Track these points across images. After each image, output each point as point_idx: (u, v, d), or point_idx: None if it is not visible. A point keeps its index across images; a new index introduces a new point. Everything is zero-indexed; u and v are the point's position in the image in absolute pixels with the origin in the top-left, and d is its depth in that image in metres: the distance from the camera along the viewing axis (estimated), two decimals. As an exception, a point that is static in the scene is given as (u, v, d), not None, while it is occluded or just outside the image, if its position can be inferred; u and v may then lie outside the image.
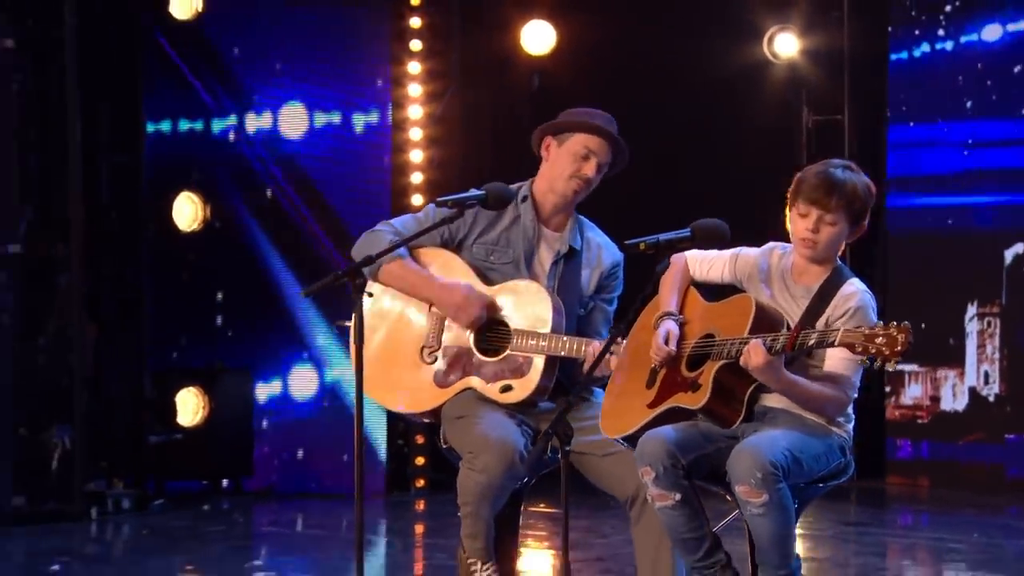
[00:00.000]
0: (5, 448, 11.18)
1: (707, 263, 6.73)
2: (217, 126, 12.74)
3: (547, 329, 6.98)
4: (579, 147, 7.09)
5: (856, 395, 6.61)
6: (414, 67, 12.79)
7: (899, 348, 6.03)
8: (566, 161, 7.09)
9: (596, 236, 7.32)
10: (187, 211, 12.21)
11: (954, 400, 12.73)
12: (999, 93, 12.50)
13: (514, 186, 7.15)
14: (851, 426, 6.68)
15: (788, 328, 6.34)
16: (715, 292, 6.82)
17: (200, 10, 12.22)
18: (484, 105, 13.26)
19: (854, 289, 6.50)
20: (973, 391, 12.64)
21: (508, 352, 7.03)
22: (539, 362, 6.97)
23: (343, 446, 11.99)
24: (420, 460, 12.51)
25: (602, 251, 7.24)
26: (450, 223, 7.06)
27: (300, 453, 12.48)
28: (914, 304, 12.65)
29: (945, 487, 12.62)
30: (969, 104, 12.63)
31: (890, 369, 6.52)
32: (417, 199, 12.72)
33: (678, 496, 6.40)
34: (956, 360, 12.70)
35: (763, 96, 13.12)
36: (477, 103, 13.21)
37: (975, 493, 12.38)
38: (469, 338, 7.10)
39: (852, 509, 12.42)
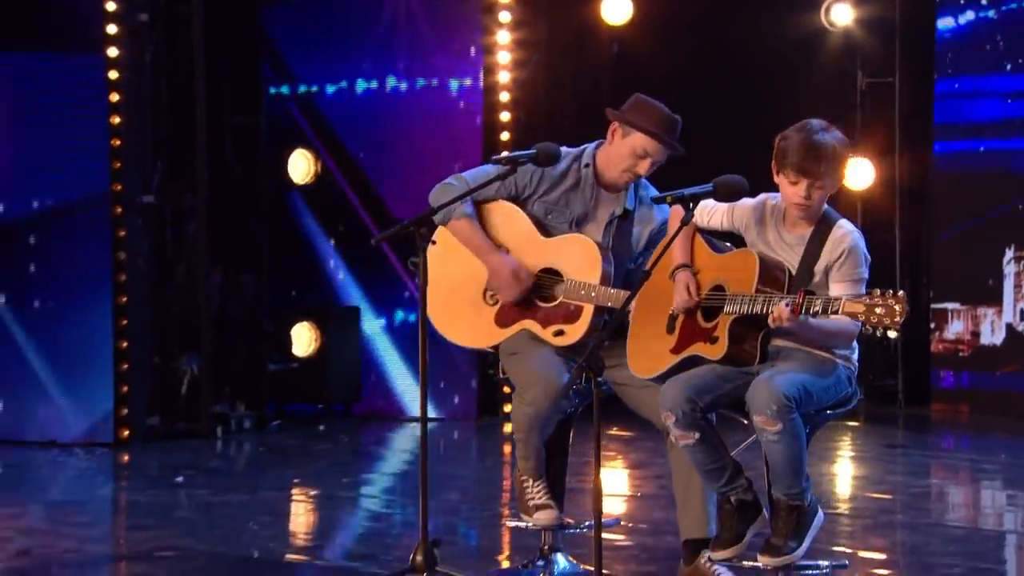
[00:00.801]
0: (142, 375, 11.36)
1: (709, 212, 6.57)
2: (330, 89, 12.71)
3: (596, 280, 6.92)
4: (639, 147, 6.92)
5: (860, 329, 6.38)
6: (503, 36, 12.69)
7: (897, 318, 6.04)
8: (625, 153, 6.95)
9: (649, 194, 7.18)
10: (301, 166, 12.30)
11: (992, 335, 12.68)
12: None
13: (579, 149, 7.11)
14: (855, 356, 6.51)
15: (789, 276, 6.31)
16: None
17: None
18: (567, 70, 13.22)
19: (844, 231, 6.38)
20: (1009, 327, 12.58)
21: (561, 299, 6.98)
22: (588, 310, 6.92)
23: (439, 376, 12.01)
24: (507, 388, 12.55)
25: (653, 209, 7.11)
26: (504, 179, 6.96)
27: (400, 382, 12.57)
28: (956, 246, 12.79)
29: (983, 414, 12.56)
30: (1009, 66, 12.54)
31: (892, 336, 6.50)
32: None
33: (697, 435, 6.38)
34: (994, 299, 12.63)
35: (820, 61, 13.08)
36: (560, 69, 13.14)
37: (1010, 419, 12.27)
38: (530, 287, 7.03)
39: (899, 433, 12.49)
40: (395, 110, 12.67)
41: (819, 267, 6.34)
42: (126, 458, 11.08)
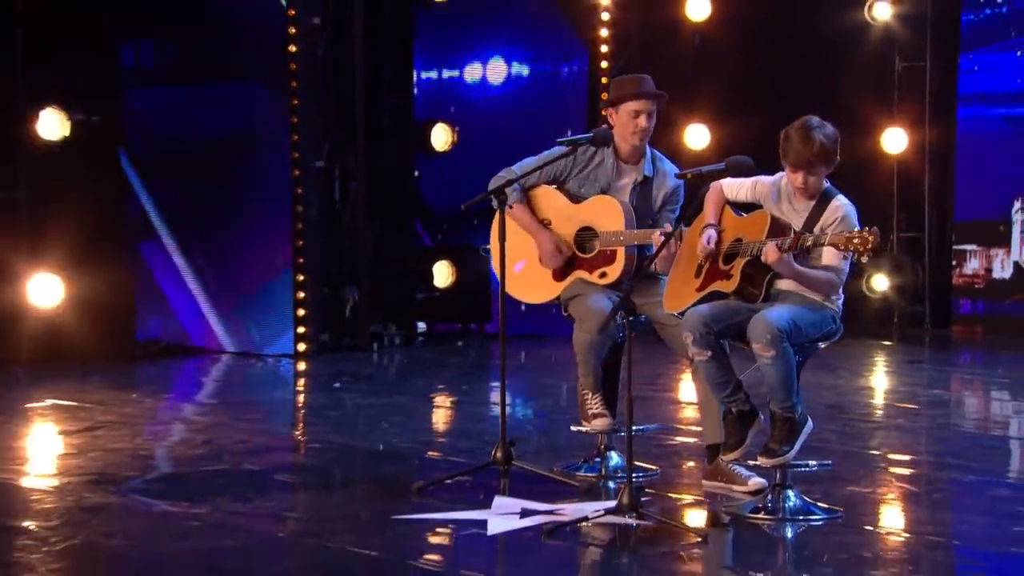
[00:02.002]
0: (316, 301, 11.45)
1: (735, 188, 6.61)
2: (467, 74, 12.67)
3: (622, 227, 6.95)
4: (628, 111, 6.97)
5: (845, 279, 6.49)
6: (604, 32, 12.63)
7: (870, 246, 6.14)
8: (624, 122, 7.00)
9: (664, 165, 7.19)
10: (441, 136, 12.19)
11: (1002, 271, 12.60)
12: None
13: None
14: (840, 301, 6.54)
15: (794, 232, 6.33)
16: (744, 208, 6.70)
17: None
18: (658, 59, 12.89)
19: (839, 203, 6.44)
20: (1016, 264, 12.52)
21: (599, 249, 7.02)
22: (621, 252, 6.95)
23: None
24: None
25: (667, 177, 7.13)
26: (566, 156, 7.02)
27: (523, 306, 12.34)
28: (973, 198, 12.69)
29: (994, 334, 12.48)
30: (1019, 53, 12.47)
31: (864, 261, 6.49)
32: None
33: (709, 353, 6.41)
34: (1005, 242, 12.56)
35: (865, 49, 12.95)
36: (652, 58, 12.88)
37: (1017, 338, 12.19)
38: (572, 245, 7.08)
39: (925, 351, 12.36)
40: (517, 91, 12.59)
41: (817, 228, 6.37)
42: (302, 367, 11.14)
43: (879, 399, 9.99)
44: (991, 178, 12.67)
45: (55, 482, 7.24)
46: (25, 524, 6.44)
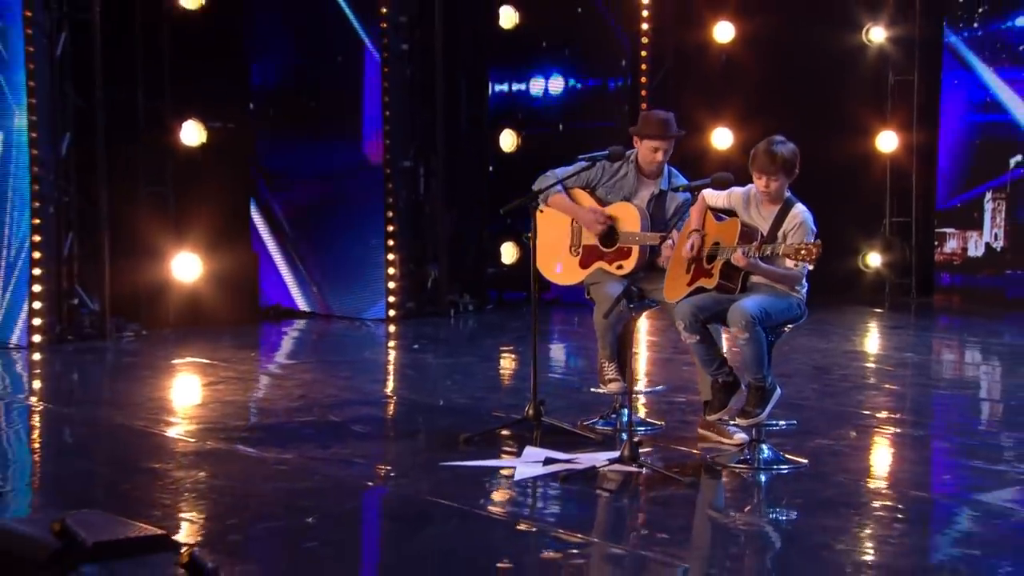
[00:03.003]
0: (403, 275, 11.37)
1: (715, 197, 6.59)
2: (532, 86, 12.60)
3: (638, 230, 6.99)
4: (650, 146, 7.01)
5: (806, 273, 6.44)
6: (643, 52, 12.63)
7: (813, 257, 6.18)
8: (645, 152, 7.04)
9: (678, 181, 7.13)
10: (508, 140, 12.12)
11: (976, 250, 12.43)
12: (1014, 57, 12.17)
13: (630, 151, 7.09)
14: (805, 290, 6.51)
15: (761, 237, 6.36)
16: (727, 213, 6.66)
17: (518, 22, 12.00)
18: (689, 75, 12.97)
19: (798, 210, 6.41)
20: (988, 245, 12.37)
21: (618, 245, 7.04)
22: (636, 250, 7.00)
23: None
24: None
25: (679, 192, 7.04)
26: (587, 170, 7.07)
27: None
28: (953, 190, 12.58)
29: (969, 303, 12.38)
30: (991, 67, 12.20)
31: (810, 268, 6.50)
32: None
33: (698, 337, 6.49)
34: (978, 226, 12.40)
35: (863, 66, 12.78)
36: (685, 73, 12.95)
37: (986, 306, 12.13)
38: (596, 240, 7.08)
39: (911, 317, 12.26)
40: (572, 101, 12.55)
41: (780, 232, 6.38)
42: (392, 329, 11.11)
43: (860, 361, 9.83)
44: (967, 171, 12.55)
45: (180, 429, 7.34)
46: (152, 465, 6.60)
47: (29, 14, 9.75)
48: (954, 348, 10.98)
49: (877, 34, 12.77)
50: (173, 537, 5.03)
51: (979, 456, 6.84)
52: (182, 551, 4.56)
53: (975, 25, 12.40)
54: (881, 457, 6.88)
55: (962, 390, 9.08)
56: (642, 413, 7.47)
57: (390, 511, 6.04)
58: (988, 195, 12.43)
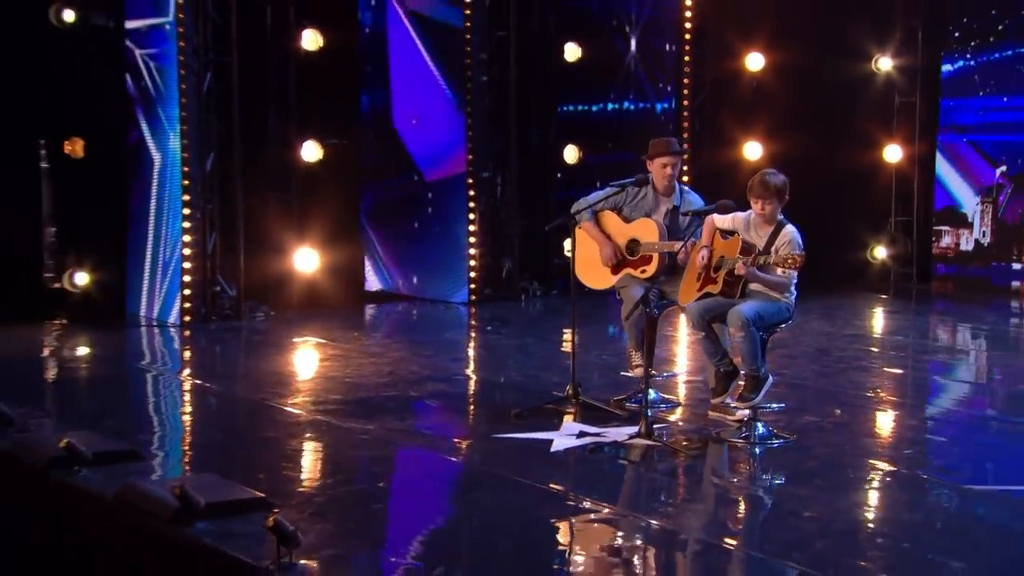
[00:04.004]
0: (483, 267, 11.42)
1: (721, 220, 6.61)
2: (593, 107, 12.39)
3: (656, 240, 7.00)
4: (659, 164, 7.04)
5: (796, 281, 6.49)
6: (686, 80, 12.59)
7: (798, 265, 6.26)
8: (657, 170, 7.05)
9: (689, 195, 7.15)
10: (571, 154, 12.00)
11: (967, 245, 12.30)
12: (999, 84, 12.03)
13: (647, 176, 7.08)
14: (793, 297, 6.55)
15: (757, 251, 6.40)
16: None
17: (580, 56, 11.91)
18: (725, 98, 12.89)
19: (788, 230, 6.44)
20: (977, 241, 12.24)
21: (641, 254, 7.05)
22: (656, 257, 7.00)
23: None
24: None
25: (691, 206, 7.08)
26: (616, 195, 7.10)
27: None
28: (948, 195, 12.47)
29: (961, 289, 12.24)
30: (980, 92, 12.15)
31: (794, 276, 6.53)
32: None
33: (703, 333, 6.57)
34: (968, 225, 12.29)
35: (872, 90, 12.65)
36: (721, 97, 12.88)
37: (975, 293, 12.00)
38: (624, 250, 7.09)
39: (912, 302, 12.15)
40: (626, 121, 12.41)
41: (773, 247, 6.41)
42: (473, 311, 11.12)
43: (859, 344, 9.61)
44: (959, 180, 12.43)
45: (289, 402, 7.34)
46: (263, 434, 6.65)
47: (182, 59, 10.00)
48: (943, 331, 10.81)
49: (885, 63, 12.63)
50: (270, 499, 5.14)
51: (948, 431, 6.80)
52: (272, 512, 4.81)
53: (968, 56, 12.26)
54: (858, 433, 6.81)
55: (945, 372, 8.88)
56: (663, 392, 7.45)
57: (446, 478, 6.04)
58: (977, 198, 12.30)
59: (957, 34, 12.32)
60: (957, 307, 11.73)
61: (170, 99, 10.08)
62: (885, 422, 7.14)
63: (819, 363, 8.68)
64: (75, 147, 10.46)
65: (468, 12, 11.25)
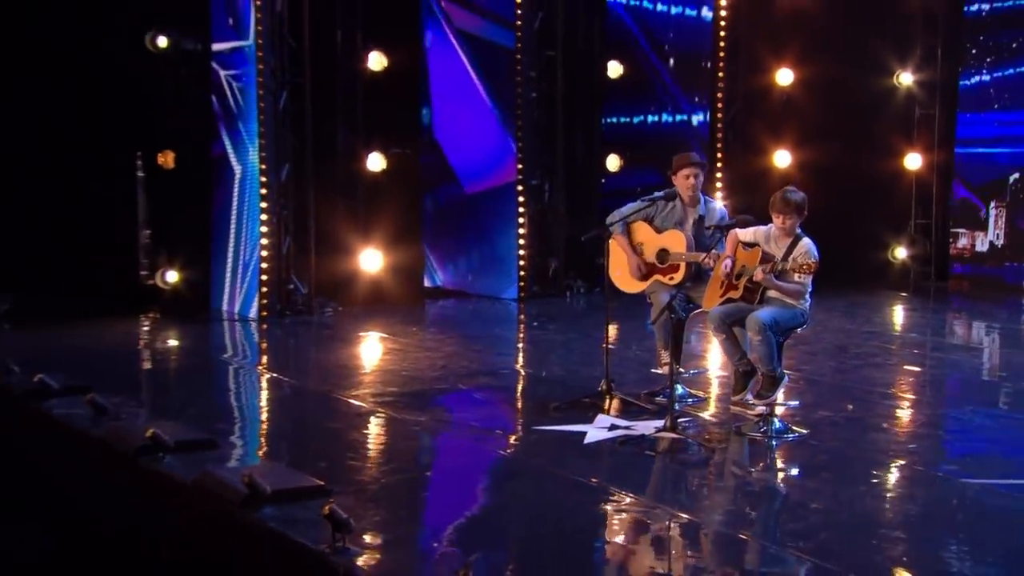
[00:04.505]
0: (531, 266, 11.49)
1: (744, 233, 6.61)
2: (635, 119, 12.27)
3: (684, 251, 7.01)
4: (683, 175, 7.04)
5: (811, 290, 6.48)
6: (720, 94, 12.52)
7: (812, 270, 6.31)
8: (682, 182, 7.05)
9: (713, 204, 7.15)
10: (613, 162, 12.02)
11: (981, 246, 12.20)
12: (1013, 99, 11.89)
13: (675, 191, 7.09)
14: (808, 304, 6.53)
15: (775, 260, 6.42)
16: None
17: (622, 72, 11.86)
18: (757, 111, 12.82)
19: (805, 242, 6.43)
20: (991, 243, 12.13)
21: (669, 262, 7.07)
22: (683, 266, 7.01)
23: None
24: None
25: (715, 212, 7.10)
26: (647, 208, 7.11)
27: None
28: (964, 200, 12.34)
29: (975, 287, 12.12)
30: (995, 106, 12.00)
31: (809, 278, 6.56)
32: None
33: (724, 336, 6.58)
34: (983, 227, 12.18)
35: (894, 102, 12.55)
36: (753, 110, 12.81)
37: (989, 291, 11.89)
38: (654, 259, 7.11)
39: (930, 299, 11.99)
40: (664, 132, 12.38)
41: (791, 257, 6.40)
42: (521, 307, 11.13)
43: (876, 340, 9.43)
44: (975, 186, 12.29)
45: (352, 393, 7.32)
46: (327, 424, 6.64)
47: (261, 79, 10.14)
48: (958, 328, 10.64)
49: (906, 78, 12.52)
50: (329, 486, 5.16)
51: (956, 427, 6.67)
52: (329, 501, 4.91)
53: (984, 71, 12.11)
54: (869, 428, 6.72)
55: (957, 369, 8.64)
56: (690, 388, 7.42)
57: (488, 468, 6.03)
58: (992, 203, 12.16)
59: (974, 51, 12.17)
60: (972, 304, 11.58)
61: (250, 116, 10.24)
62: (895, 417, 7.05)
63: (837, 359, 8.58)
64: (167, 159, 10.69)
65: (519, 34, 11.30)
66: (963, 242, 12.48)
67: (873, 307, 11.27)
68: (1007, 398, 7.57)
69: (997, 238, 12.16)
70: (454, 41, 11.61)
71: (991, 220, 12.20)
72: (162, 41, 10.52)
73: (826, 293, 11.17)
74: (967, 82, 12.25)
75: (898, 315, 11.23)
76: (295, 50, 10.30)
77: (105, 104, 10.26)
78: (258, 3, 10.05)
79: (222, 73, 10.53)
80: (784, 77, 12.82)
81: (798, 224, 6.54)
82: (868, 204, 12.66)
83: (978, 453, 6.25)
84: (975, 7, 12.17)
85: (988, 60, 12.07)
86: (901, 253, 12.79)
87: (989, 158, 12.14)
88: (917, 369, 8.58)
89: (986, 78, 12.10)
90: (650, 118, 12.42)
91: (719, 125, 12.58)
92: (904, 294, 12.13)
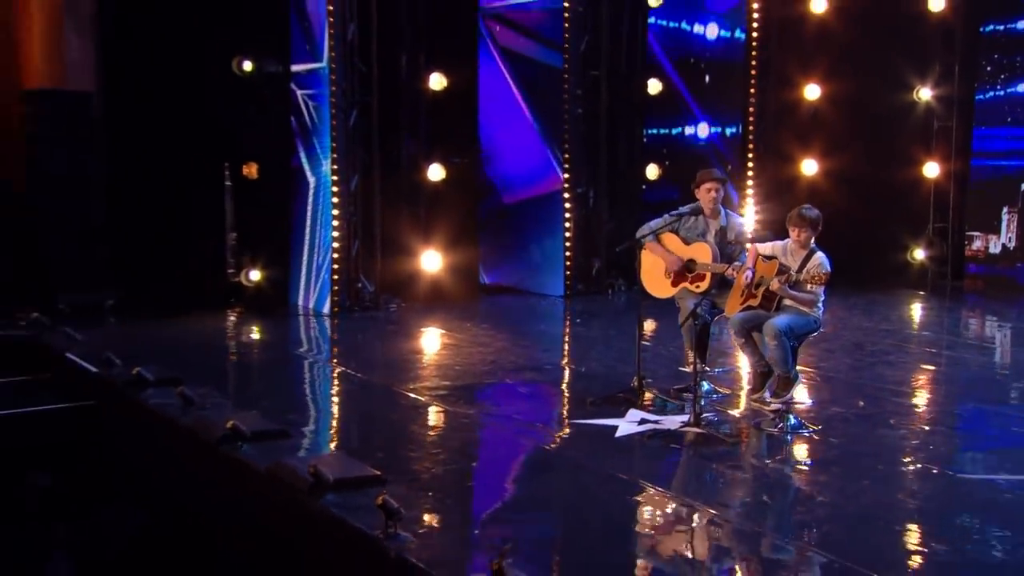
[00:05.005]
0: (576, 266, 11.50)
1: (763, 247, 6.68)
2: (674, 131, 12.25)
3: (709, 261, 7.03)
4: (706, 188, 7.07)
5: (823, 298, 6.51)
6: (749, 108, 12.46)
7: (823, 281, 6.29)
8: (704, 195, 7.08)
9: (733, 216, 7.14)
10: (653, 171, 12.00)
11: (995, 248, 12.03)
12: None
13: (699, 206, 7.12)
14: (821, 312, 6.57)
15: (790, 271, 6.46)
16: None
17: (661, 89, 11.87)
18: (785, 124, 12.72)
19: (819, 255, 6.47)
20: (1004, 245, 11.96)
21: (697, 271, 7.09)
22: (709, 275, 7.03)
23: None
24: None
25: (736, 224, 7.11)
26: (675, 221, 7.15)
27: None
28: (982, 207, 12.13)
29: (989, 286, 11.95)
30: (1009, 119, 11.85)
31: (821, 289, 6.52)
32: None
33: (743, 340, 6.68)
34: (996, 230, 12.01)
35: (914, 116, 12.35)
36: (782, 124, 12.72)
37: (1002, 290, 11.70)
38: (682, 268, 7.13)
39: (946, 297, 11.87)
40: (701, 143, 12.36)
41: (805, 269, 6.42)
42: (568, 303, 11.14)
43: (891, 338, 9.25)
44: (990, 194, 12.11)
45: (410, 387, 7.33)
46: (387, 415, 6.64)
47: (334, 100, 10.27)
48: (971, 326, 10.46)
49: (925, 93, 12.34)
50: (385, 475, 5.26)
51: (960, 426, 6.55)
52: (383, 491, 4.99)
53: (998, 87, 11.93)
54: (877, 424, 6.66)
55: (965, 367, 8.40)
56: (715, 384, 7.41)
57: (526, 459, 6.05)
58: (1005, 210, 11.99)
59: (988, 68, 12.00)
60: (985, 303, 11.40)
61: (323, 132, 10.37)
62: (903, 414, 6.92)
63: (852, 356, 8.48)
64: (251, 170, 10.87)
65: (567, 56, 11.30)
66: (978, 244, 12.31)
67: (891, 305, 11.16)
68: (1016, 395, 7.43)
69: (1009, 241, 11.99)
70: (498, 58, 11.60)
71: (1003, 223, 12.02)
72: (247, 65, 10.73)
73: (848, 291, 11.18)
74: (982, 97, 12.05)
75: (915, 312, 11.09)
76: (364, 73, 10.42)
77: (198, 121, 10.52)
78: (331, 31, 10.19)
79: (299, 93, 10.71)
80: (812, 92, 12.75)
81: (812, 238, 6.59)
82: (889, 209, 12.55)
83: (983, 449, 6.18)
84: (990, 27, 11.99)
85: (1002, 77, 11.90)
86: (920, 254, 12.66)
87: (1001, 170, 11.97)
88: (929, 366, 8.44)
89: (1000, 94, 11.90)
90: (689, 129, 12.38)
91: (751, 136, 12.53)
92: (922, 292, 11.99)
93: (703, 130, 12.24)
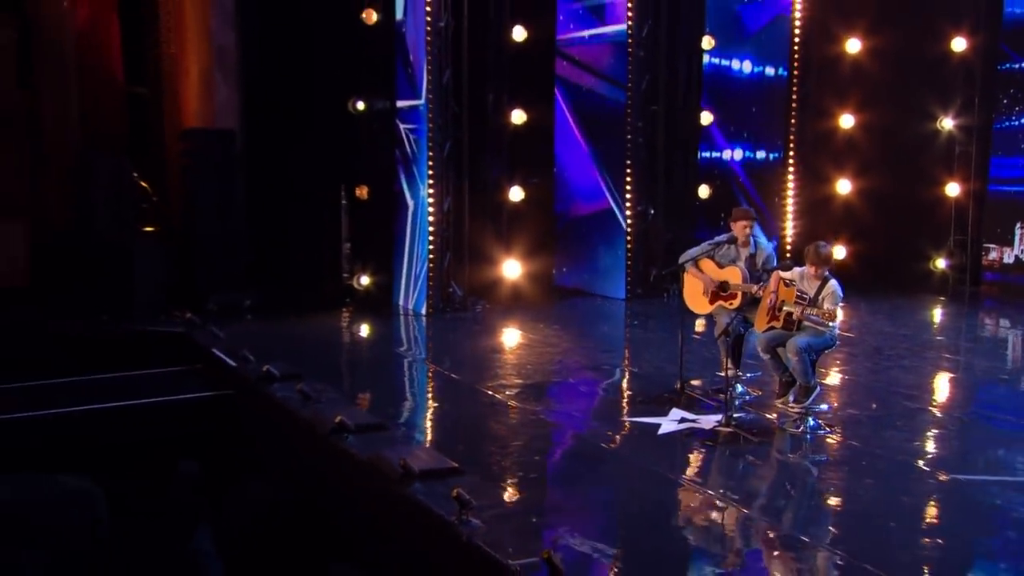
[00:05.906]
0: (635, 273, 10.99)
1: (785, 275, 6.58)
2: (724, 156, 12.02)
3: (740, 282, 7.00)
4: (740, 224, 7.05)
5: (837, 322, 6.42)
6: (791, 136, 12.14)
7: (832, 321, 6.24)
8: (738, 229, 7.05)
9: (762, 240, 7.05)
10: (704, 190, 11.59)
11: (1008, 259, 11.67)
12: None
13: (732, 235, 7.06)
14: (835, 331, 6.53)
15: (808, 299, 6.41)
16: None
17: (712, 120, 11.75)
18: (820, 149, 12.30)
19: (832, 284, 6.43)
20: (1017, 256, 11.60)
21: (730, 291, 7.05)
22: (740, 294, 6.97)
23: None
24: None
25: (764, 250, 7.03)
26: (712, 249, 7.13)
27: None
28: (998, 223, 11.77)
29: (1004, 293, 11.53)
30: (1023, 147, 11.49)
31: (831, 325, 6.43)
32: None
33: (769, 356, 6.67)
34: (1010, 243, 11.62)
35: (937, 142, 11.97)
36: (818, 148, 12.32)
37: (1015, 296, 11.27)
38: (718, 288, 7.10)
39: (965, 302, 11.49)
40: (747, 166, 12.01)
41: (820, 295, 6.40)
42: (628, 305, 10.93)
43: (909, 343, 8.90)
44: (1004, 213, 11.72)
45: (488, 384, 7.22)
46: (466, 411, 6.61)
47: (431, 134, 10.41)
48: (987, 331, 10.17)
49: (948, 123, 11.97)
50: (462, 467, 5.41)
51: (965, 433, 6.31)
52: (455, 486, 5.01)
53: (1014, 118, 11.54)
54: (885, 427, 6.44)
55: (978, 373, 8.01)
56: (748, 387, 7.34)
57: (581, 453, 6.02)
58: (1019, 224, 11.65)
59: (1005, 101, 11.62)
60: (1000, 307, 11.06)
61: (421, 160, 10.52)
62: (914, 417, 6.74)
63: (872, 360, 8.27)
64: (362, 192, 11.18)
65: (630, 93, 11.25)
66: (993, 255, 11.96)
67: (911, 310, 10.95)
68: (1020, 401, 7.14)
69: (1022, 253, 11.64)
70: (556, 91, 11.52)
71: (1017, 237, 11.68)
72: (360, 105, 11.04)
73: (875, 296, 10.98)
74: (999, 126, 11.69)
75: (933, 319, 10.84)
76: (457, 113, 10.58)
77: (319, 152, 10.91)
78: (429, 77, 10.40)
79: (402, 127, 10.93)
80: (846, 121, 12.47)
81: (826, 269, 6.59)
82: (914, 223, 12.30)
83: (984, 452, 6.00)
84: (1007, 65, 11.60)
85: (1017, 109, 11.51)
86: (941, 263, 12.36)
87: (1016, 194, 11.62)
88: (943, 371, 8.15)
89: (1015, 124, 11.54)
90: (738, 152, 12.15)
91: (791, 162, 12.30)
92: (943, 298, 11.71)
93: (727, 155, 12.01)
